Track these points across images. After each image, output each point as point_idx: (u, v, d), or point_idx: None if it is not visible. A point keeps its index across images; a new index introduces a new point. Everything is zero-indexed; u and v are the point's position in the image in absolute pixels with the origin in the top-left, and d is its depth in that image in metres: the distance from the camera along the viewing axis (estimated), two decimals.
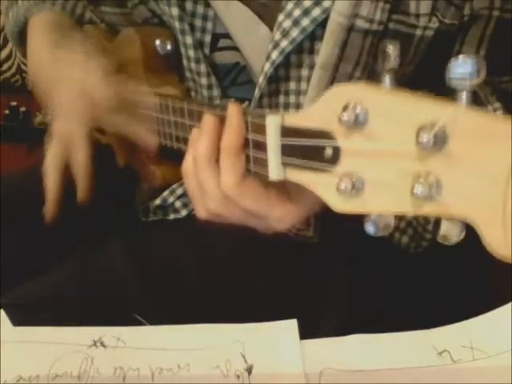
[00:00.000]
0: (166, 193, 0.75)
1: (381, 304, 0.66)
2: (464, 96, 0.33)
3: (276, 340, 0.56)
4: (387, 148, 0.36)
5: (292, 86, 0.65)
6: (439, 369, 0.54)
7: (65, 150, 0.69)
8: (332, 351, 0.55)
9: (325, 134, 0.40)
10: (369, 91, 0.37)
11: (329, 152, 0.40)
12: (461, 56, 0.33)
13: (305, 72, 0.63)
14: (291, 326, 0.57)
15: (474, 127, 0.32)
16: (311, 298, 0.65)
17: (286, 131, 0.44)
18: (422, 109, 0.34)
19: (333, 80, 0.59)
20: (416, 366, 0.54)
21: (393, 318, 0.63)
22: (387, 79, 0.37)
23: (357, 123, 0.37)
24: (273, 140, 0.45)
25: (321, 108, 0.41)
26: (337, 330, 0.58)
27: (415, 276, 0.68)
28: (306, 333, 0.56)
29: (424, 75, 0.60)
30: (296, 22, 0.59)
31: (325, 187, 0.41)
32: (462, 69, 0.33)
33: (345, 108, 0.37)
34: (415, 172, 0.35)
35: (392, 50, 0.37)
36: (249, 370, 0.54)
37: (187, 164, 0.53)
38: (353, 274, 0.68)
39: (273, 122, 0.45)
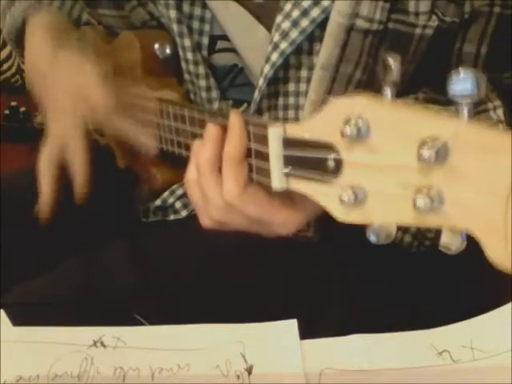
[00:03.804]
0: (166, 193, 0.75)
1: (381, 304, 0.66)
2: (465, 110, 0.33)
3: (276, 340, 0.56)
4: (389, 161, 0.36)
5: (291, 87, 0.65)
6: (439, 369, 0.54)
7: (60, 149, 0.68)
8: (332, 351, 0.55)
9: (327, 146, 0.40)
10: (370, 104, 0.37)
11: (331, 164, 0.40)
12: (461, 72, 0.33)
13: (304, 73, 0.63)
14: (291, 326, 0.57)
15: (476, 141, 0.32)
16: (311, 297, 0.65)
17: (288, 142, 0.44)
18: (424, 123, 0.34)
19: (333, 80, 0.59)
20: (416, 366, 0.54)
21: (393, 318, 0.63)
22: (388, 92, 0.37)
23: (359, 136, 0.37)
24: (275, 151, 0.45)
25: (323, 120, 0.40)
26: (337, 330, 0.58)
27: (415, 276, 0.68)
28: (305, 333, 0.56)
29: (426, 73, 0.60)
30: (295, 23, 0.59)
31: (327, 198, 0.41)
32: (463, 85, 0.33)
33: (347, 121, 0.37)
34: (417, 185, 0.35)
35: (393, 62, 0.37)
36: (249, 370, 0.54)
37: (190, 175, 0.53)
38: (353, 273, 0.68)
39: (275, 134, 0.45)
